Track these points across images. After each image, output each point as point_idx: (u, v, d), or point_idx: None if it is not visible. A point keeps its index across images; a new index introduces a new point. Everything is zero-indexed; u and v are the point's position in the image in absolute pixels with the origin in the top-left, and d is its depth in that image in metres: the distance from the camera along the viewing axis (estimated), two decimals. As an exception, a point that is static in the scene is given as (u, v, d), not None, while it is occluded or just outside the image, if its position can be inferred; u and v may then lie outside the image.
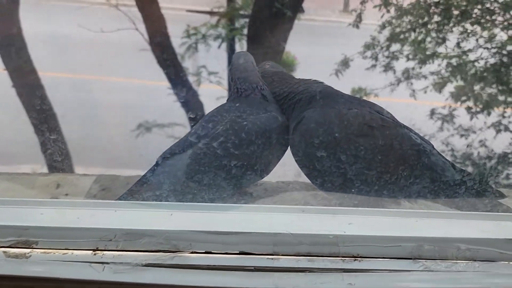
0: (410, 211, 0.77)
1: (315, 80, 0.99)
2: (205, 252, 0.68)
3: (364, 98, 3.10)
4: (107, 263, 0.66)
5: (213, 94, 2.99)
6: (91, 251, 0.68)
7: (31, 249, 0.67)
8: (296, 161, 0.92)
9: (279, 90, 0.97)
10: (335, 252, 0.69)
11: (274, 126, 0.89)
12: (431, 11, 3.09)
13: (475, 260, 0.69)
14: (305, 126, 0.87)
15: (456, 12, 3.05)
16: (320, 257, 0.69)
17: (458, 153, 3.18)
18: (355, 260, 0.69)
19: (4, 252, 0.67)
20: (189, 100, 2.76)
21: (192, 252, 0.68)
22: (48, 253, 0.67)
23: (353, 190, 0.88)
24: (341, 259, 0.69)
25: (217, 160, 0.85)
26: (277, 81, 0.99)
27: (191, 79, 3.01)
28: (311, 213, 0.76)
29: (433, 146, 0.91)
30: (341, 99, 0.91)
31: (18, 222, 0.70)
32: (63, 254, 0.67)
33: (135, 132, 2.58)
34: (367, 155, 0.84)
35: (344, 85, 3.08)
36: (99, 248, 0.68)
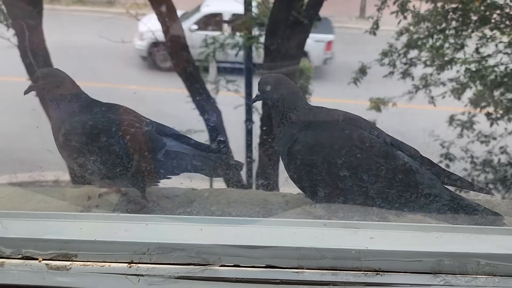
0: (431, 226, 0.80)
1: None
2: (234, 266, 0.72)
3: (382, 107, 3.12)
4: (142, 275, 0.70)
5: (230, 101, 3.04)
6: (126, 264, 0.72)
7: (71, 262, 0.72)
8: (289, 176, 1.00)
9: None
10: (357, 267, 0.72)
11: None
12: (449, 17, 3.07)
13: (494, 275, 0.71)
14: (298, 146, 0.96)
15: (474, 18, 3.02)
16: (343, 271, 0.72)
17: (478, 160, 3.15)
18: (377, 274, 0.71)
19: (47, 264, 0.72)
20: (207, 108, 2.81)
21: (221, 266, 0.72)
22: (87, 265, 0.72)
23: (340, 202, 0.97)
24: (364, 273, 0.71)
25: None
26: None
27: (209, 87, 3.06)
28: (333, 227, 0.79)
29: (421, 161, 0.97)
30: (335, 120, 0.99)
31: (59, 236, 0.74)
32: (101, 266, 0.72)
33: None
34: (355, 173, 0.93)
35: (362, 92, 3.09)
36: (134, 261, 0.72)
